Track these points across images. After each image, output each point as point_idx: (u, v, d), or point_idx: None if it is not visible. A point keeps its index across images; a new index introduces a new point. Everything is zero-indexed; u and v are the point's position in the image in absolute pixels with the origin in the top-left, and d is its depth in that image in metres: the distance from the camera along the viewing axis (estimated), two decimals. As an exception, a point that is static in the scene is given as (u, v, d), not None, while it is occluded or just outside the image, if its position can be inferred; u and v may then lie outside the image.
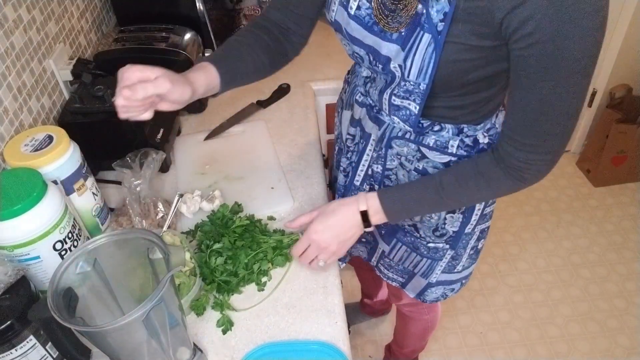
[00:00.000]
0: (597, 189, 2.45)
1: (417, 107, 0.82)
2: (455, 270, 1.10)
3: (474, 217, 0.99)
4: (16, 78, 1.04)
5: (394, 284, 1.19)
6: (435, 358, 1.83)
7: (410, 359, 1.72)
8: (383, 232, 1.10)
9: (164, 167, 1.20)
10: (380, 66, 0.81)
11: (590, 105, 2.47)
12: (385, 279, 1.20)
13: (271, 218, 1.07)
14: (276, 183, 1.15)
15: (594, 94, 2.42)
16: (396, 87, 0.82)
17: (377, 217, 0.90)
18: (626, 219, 2.30)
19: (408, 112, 0.85)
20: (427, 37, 0.72)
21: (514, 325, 1.92)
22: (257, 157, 1.23)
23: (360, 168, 1.03)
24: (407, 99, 0.82)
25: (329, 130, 1.59)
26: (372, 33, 0.79)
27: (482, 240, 1.08)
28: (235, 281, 0.93)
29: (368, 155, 1.00)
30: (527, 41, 0.66)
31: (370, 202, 0.90)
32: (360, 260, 1.25)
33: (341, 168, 1.10)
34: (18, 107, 1.04)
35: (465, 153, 0.89)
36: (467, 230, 1.01)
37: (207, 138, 1.29)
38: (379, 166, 0.98)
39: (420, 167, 0.92)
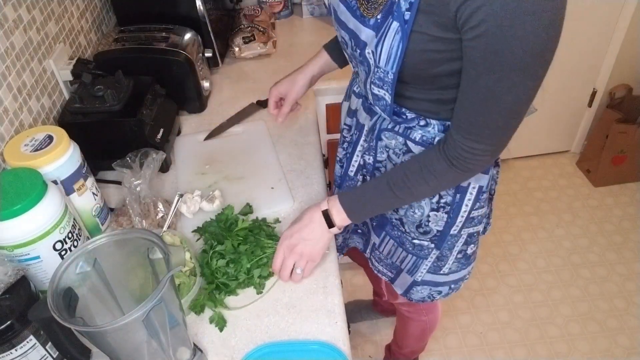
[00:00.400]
0: (597, 189, 2.45)
1: (389, 96, 0.85)
2: (441, 272, 1.10)
3: (460, 219, 0.99)
4: (16, 78, 1.04)
5: (384, 278, 1.21)
6: (435, 358, 1.83)
7: (409, 359, 1.72)
8: (374, 223, 1.12)
9: (164, 167, 1.19)
10: (359, 51, 0.84)
11: (590, 105, 2.47)
12: (376, 272, 1.22)
13: (277, 221, 1.06)
14: (276, 183, 1.15)
15: (594, 94, 2.42)
16: (372, 75, 0.85)
17: (340, 217, 0.93)
18: (626, 219, 2.30)
19: (384, 101, 0.88)
20: (395, 25, 0.75)
21: (514, 325, 1.92)
22: (257, 157, 1.23)
23: (354, 159, 1.05)
24: (382, 87, 0.85)
25: (329, 130, 1.59)
26: (354, 17, 0.82)
27: (472, 246, 1.07)
28: (234, 284, 0.93)
29: (362, 146, 1.02)
30: (474, 33, 0.68)
31: (332, 202, 0.93)
32: (367, 259, 1.27)
33: (337, 158, 1.13)
34: (18, 107, 1.04)
35: None
36: (453, 231, 1.01)
37: (207, 138, 1.29)
38: (371, 157, 1.00)
39: (406, 160, 0.94)
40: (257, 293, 0.94)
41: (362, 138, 1.01)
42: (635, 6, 2.11)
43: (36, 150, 0.91)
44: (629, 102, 2.33)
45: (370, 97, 0.92)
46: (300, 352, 0.84)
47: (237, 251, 0.95)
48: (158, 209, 1.04)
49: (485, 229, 1.17)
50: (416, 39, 0.74)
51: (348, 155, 1.08)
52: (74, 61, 1.22)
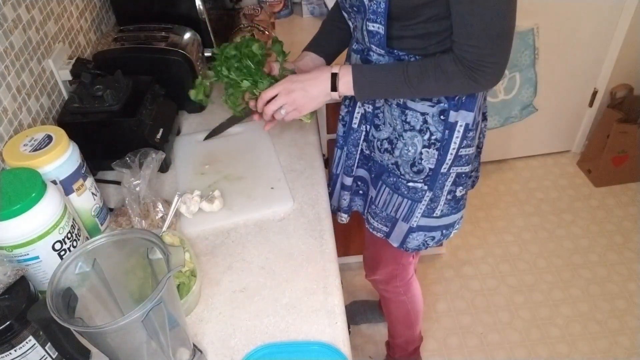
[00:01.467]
0: (598, 189, 2.45)
1: (383, 27, 0.93)
2: (434, 215, 1.15)
3: (449, 156, 1.05)
4: (15, 78, 1.04)
5: (379, 234, 1.25)
6: (436, 358, 1.83)
7: (408, 352, 1.72)
8: (373, 175, 1.18)
9: (164, 167, 1.19)
10: None
11: (591, 105, 2.46)
12: (372, 231, 1.26)
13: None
14: (276, 183, 1.14)
15: (595, 94, 2.42)
16: (367, 14, 0.92)
17: (346, 85, 0.98)
18: (627, 219, 2.30)
19: (379, 35, 0.94)
20: None
21: (514, 326, 1.92)
22: (257, 157, 1.23)
23: (356, 110, 1.12)
24: (375, 21, 0.93)
25: (329, 130, 1.59)
26: None
27: (461, 188, 1.12)
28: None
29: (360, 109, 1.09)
30: None
31: (344, 69, 0.99)
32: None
33: (340, 117, 1.19)
34: (17, 107, 1.04)
35: None
36: (443, 169, 1.07)
37: (207, 138, 1.29)
38: (370, 105, 1.08)
39: (401, 102, 1.02)
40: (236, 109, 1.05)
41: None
42: (636, 6, 2.11)
43: (35, 150, 0.91)
44: (630, 102, 2.33)
45: (366, 39, 0.98)
46: (300, 353, 0.84)
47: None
48: (157, 209, 1.04)
49: (473, 182, 1.26)
50: None
51: (350, 109, 1.14)
52: (73, 61, 1.22)
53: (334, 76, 0.98)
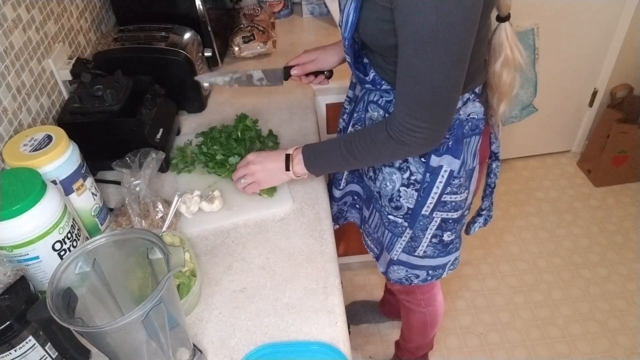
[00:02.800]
0: (598, 189, 2.45)
1: (351, 62, 0.94)
2: (416, 254, 1.13)
3: (430, 200, 1.02)
4: (15, 78, 1.04)
5: (371, 254, 1.26)
6: (436, 358, 1.83)
7: (416, 357, 1.71)
8: (365, 196, 1.18)
9: (164, 167, 1.19)
10: (341, 18, 0.90)
11: (591, 105, 2.46)
12: (366, 248, 1.27)
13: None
14: (276, 183, 1.14)
15: (595, 94, 2.42)
16: (343, 41, 0.92)
17: (298, 165, 1.02)
18: (627, 219, 2.30)
19: (351, 68, 0.97)
20: None
21: (514, 326, 1.92)
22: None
23: (349, 129, 1.12)
24: (347, 54, 0.94)
25: (329, 130, 1.59)
26: None
27: (449, 233, 1.09)
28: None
29: (355, 116, 1.09)
30: (392, 4, 0.75)
31: (297, 150, 1.02)
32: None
33: (338, 129, 1.20)
34: (17, 107, 1.04)
35: None
36: (424, 212, 1.04)
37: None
38: (360, 128, 1.08)
39: None
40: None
41: (355, 109, 1.08)
42: (635, 6, 2.11)
43: (35, 150, 0.91)
44: (630, 102, 2.33)
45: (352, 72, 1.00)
46: (300, 353, 0.84)
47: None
48: (157, 209, 1.04)
49: (485, 220, 1.23)
50: (369, 7, 0.81)
51: (345, 125, 1.15)
52: (73, 61, 1.22)
53: (288, 157, 1.02)
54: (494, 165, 1.14)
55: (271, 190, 1.09)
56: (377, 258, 1.24)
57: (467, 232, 1.25)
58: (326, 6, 1.75)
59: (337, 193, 1.26)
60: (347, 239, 1.88)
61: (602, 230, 2.26)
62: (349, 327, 0.93)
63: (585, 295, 2.01)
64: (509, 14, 0.89)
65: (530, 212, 2.36)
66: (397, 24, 0.76)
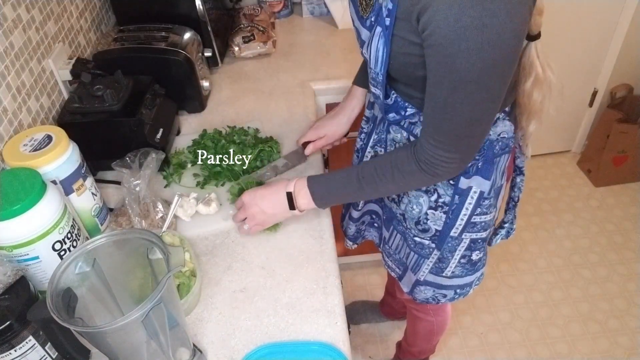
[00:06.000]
0: (598, 189, 2.45)
1: (382, 94, 0.90)
2: (444, 274, 1.10)
3: (459, 222, 0.99)
4: (15, 78, 1.04)
5: (392, 274, 1.23)
6: (436, 359, 1.82)
7: (418, 359, 1.72)
8: (384, 217, 1.14)
9: (164, 167, 1.19)
10: (362, 50, 0.87)
11: (591, 105, 2.46)
12: (386, 268, 1.24)
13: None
14: (276, 183, 1.14)
15: (595, 94, 2.42)
16: (370, 74, 0.90)
17: (304, 200, 0.95)
18: (627, 219, 2.30)
19: (380, 100, 0.92)
20: (379, 30, 0.79)
21: (514, 326, 1.92)
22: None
23: (367, 149, 1.10)
24: (376, 87, 0.90)
25: (329, 130, 1.59)
26: (357, 16, 0.87)
27: (477, 252, 1.07)
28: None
29: (374, 138, 1.06)
30: (427, 42, 0.71)
31: (299, 185, 0.95)
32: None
33: (355, 148, 1.18)
34: (17, 107, 1.04)
35: None
36: (453, 233, 1.01)
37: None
38: (382, 149, 1.04)
39: None
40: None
41: (376, 129, 1.05)
42: (636, 6, 2.11)
43: (35, 150, 0.91)
44: (630, 102, 2.33)
45: (371, 94, 0.95)
46: (300, 353, 0.84)
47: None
48: (157, 209, 1.04)
49: (508, 233, 1.20)
50: (398, 43, 0.77)
51: (363, 146, 1.12)
52: (73, 61, 1.22)
53: (289, 194, 0.95)
54: (518, 180, 1.12)
55: (275, 226, 1.02)
56: (400, 278, 1.20)
57: (489, 244, 1.21)
58: (326, 6, 1.75)
59: (355, 214, 1.23)
60: (347, 239, 1.88)
61: (602, 230, 2.26)
62: (349, 327, 0.93)
63: (585, 295, 2.00)
64: (539, 32, 0.86)
65: (530, 212, 2.36)
66: (431, 61, 0.73)
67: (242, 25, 1.61)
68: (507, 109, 0.93)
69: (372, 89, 0.92)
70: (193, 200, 1.07)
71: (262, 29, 1.61)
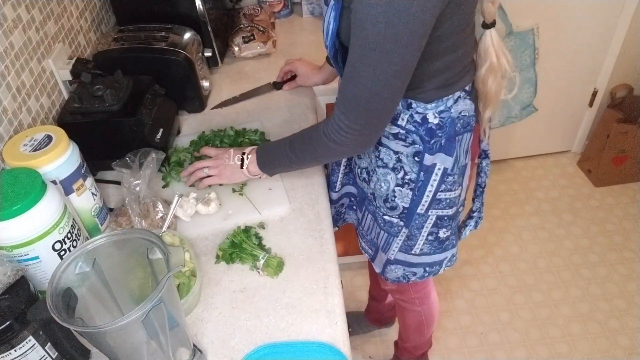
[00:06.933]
0: (598, 189, 2.45)
1: (336, 69, 0.94)
2: (412, 252, 1.14)
3: (425, 198, 1.03)
4: (15, 78, 1.04)
5: (366, 255, 1.26)
6: (436, 358, 1.83)
7: (415, 356, 1.71)
8: (358, 198, 1.18)
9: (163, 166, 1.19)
10: (322, 27, 0.91)
11: (591, 105, 2.46)
12: (361, 249, 1.27)
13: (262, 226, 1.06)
14: (273, 184, 1.14)
15: (595, 94, 2.42)
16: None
17: (252, 164, 1.05)
18: (627, 219, 2.30)
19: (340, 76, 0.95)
20: (332, 3, 0.83)
21: (514, 326, 1.92)
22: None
23: None
24: (334, 63, 0.94)
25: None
26: None
27: (444, 230, 1.10)
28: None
29: None
30: (351, 6, 0.76)
31: (252, 150, 1.06)
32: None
33: None
34: (17, 107, 1.04)
35: (413, 128, 0.97)
36: (420, 210, 1.05)
37: (216, 107, 1.38)
38: None
39: None
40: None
41: None
42: (636, 6, 2.11)
43: (35, 150, 0.91)
44: (630, 102, 2.33)
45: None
46: (300, 353, 0.84)
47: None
48: (157, 209, 1.04)
49: (476, 222, 1.24)
50: (348, 15, 0.80)
51: None
52: (73, 61, 1.22)
53: (243, 156, 1.06)
54: (484, 164, 1.15)
55: (277, 270, 0.96)
56: (373, 259, 1.24)
57: (459, 237, 1.24)
58: (326, 5, 1.74)
59: (334, 195, 1.26)
60: (347, 239, 1.88)
61: (602, 230, 2.26)
62: (349, 327, 0.93)
63: (585, 295, 2.01)
64: (494, 20, 0.89)
65: (530, 212, 2.36)
66: (352, 27, 0.77)
67: (242, 25, 1.61)
68: (467, 88, 0.96)
69: (334, 65, 0.95)
70: (193, 200, 1.07)
71: (262, 29, 1.61)
